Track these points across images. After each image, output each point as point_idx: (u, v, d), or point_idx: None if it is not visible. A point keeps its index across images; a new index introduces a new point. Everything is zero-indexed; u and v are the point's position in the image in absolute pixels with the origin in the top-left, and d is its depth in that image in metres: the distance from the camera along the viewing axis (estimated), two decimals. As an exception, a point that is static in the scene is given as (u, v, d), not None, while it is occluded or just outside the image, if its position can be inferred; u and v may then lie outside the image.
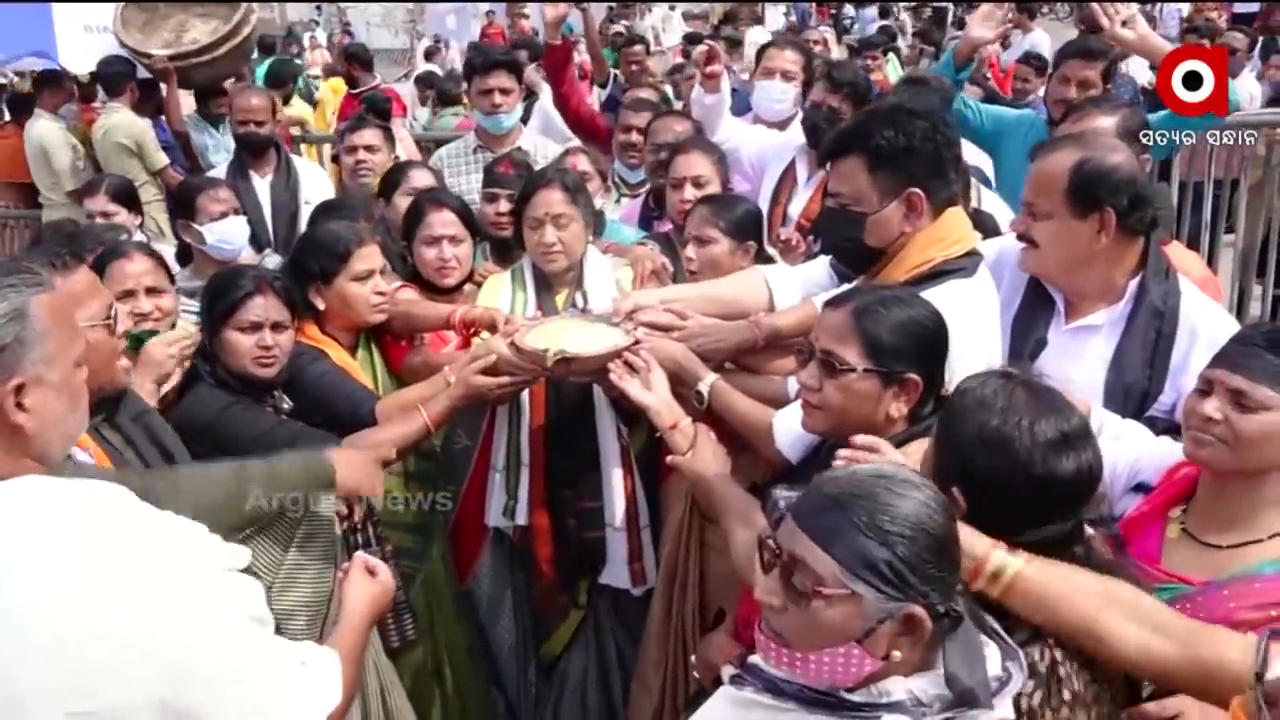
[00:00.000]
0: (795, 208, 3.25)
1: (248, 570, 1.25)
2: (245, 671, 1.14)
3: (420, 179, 3.19)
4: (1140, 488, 1.72)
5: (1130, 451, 1.73)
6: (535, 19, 13.47)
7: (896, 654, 1.09)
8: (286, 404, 2.24)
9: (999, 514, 1.31)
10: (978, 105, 3.61)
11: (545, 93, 4.94)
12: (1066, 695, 1.24)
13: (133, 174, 5.09)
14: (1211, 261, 4.49)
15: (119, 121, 5.52)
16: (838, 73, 3.29)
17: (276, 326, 2.15)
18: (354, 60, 7.27)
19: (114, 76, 5.70)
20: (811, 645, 1.11)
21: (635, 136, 3.60)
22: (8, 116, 7.25)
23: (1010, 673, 1.14)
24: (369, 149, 3.70)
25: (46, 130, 6.01)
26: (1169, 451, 1.70)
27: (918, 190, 1.86)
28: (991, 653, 1.15)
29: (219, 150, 5.34)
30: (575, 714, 2.60)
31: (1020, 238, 2.00)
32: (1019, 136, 3.32)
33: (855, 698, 1.10)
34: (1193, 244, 4.44)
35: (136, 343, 2.44)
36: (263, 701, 1.15)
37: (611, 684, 2.58)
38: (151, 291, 2.37)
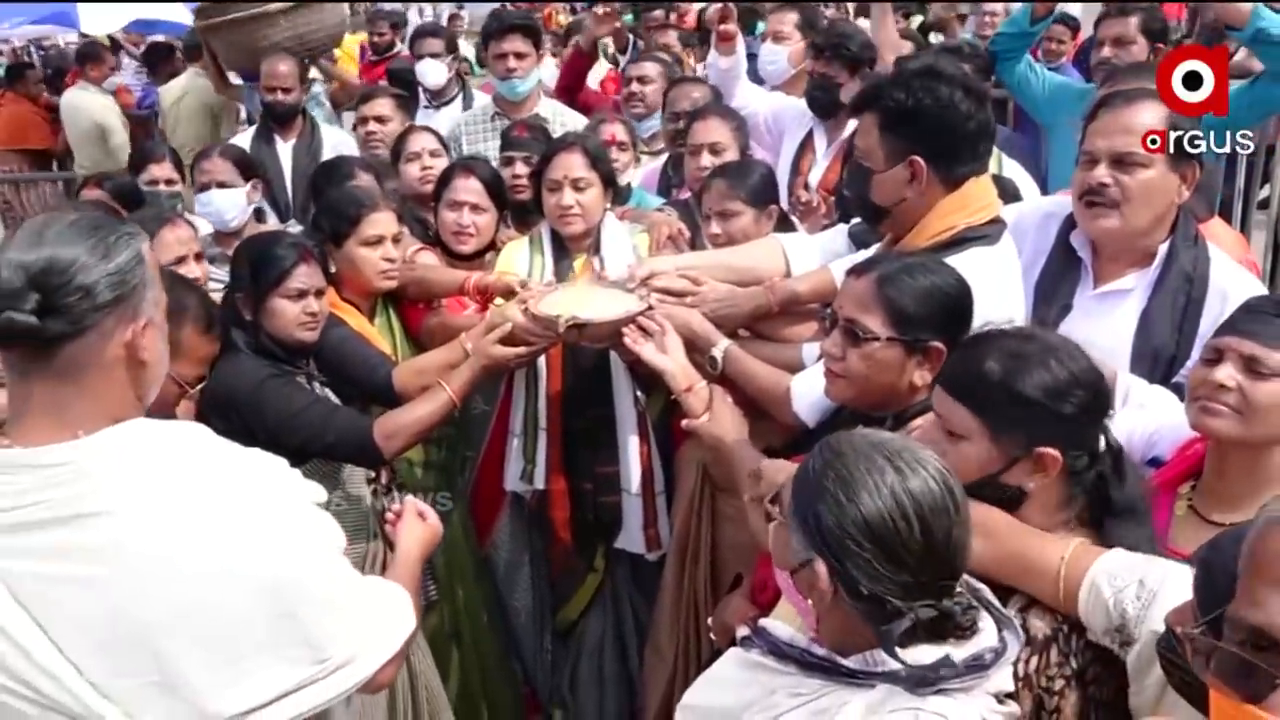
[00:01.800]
0: (815, 176, 3.22)
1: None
2: (339, 599, 1.22)
3: (417, 143, 3.18)
4: (1155, 462, 1.69)
5: (1149, 423, 1.69)
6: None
7: (809, 601, 1.13)
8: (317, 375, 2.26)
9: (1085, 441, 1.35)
10: (1043, 71, 3.42)
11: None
12: (1063, 668, 1.22)
13: (204, 138, 5.10)
14: (1244, 228, 4.40)
15: (205, 84, 5.47)
16: (819, 38, 3.29)
17: (319, 293, 2.20)
18: (395, 27, 7.06)
19: (195, 45, 5.73)
20: (775, 560, 1.21)
21: (636, 87, 3.72)
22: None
23: (1006, 643, 1.12)
24: (379, 120, 3.67)
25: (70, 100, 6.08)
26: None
27: (918, 157, 1.79)
28: (986, 624, 1.13)
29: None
30: (591, 679, 2.62)
31: (1097, 193, 1.88)
32: (1079, 110, 3.16)
33: (851, 664, 1.10)
34: (1224, 212, 4.34)
35: None
36: (357, 628, 1.23)
37: (628, 649, 2.60)
38: (197, 256, 2.52)
